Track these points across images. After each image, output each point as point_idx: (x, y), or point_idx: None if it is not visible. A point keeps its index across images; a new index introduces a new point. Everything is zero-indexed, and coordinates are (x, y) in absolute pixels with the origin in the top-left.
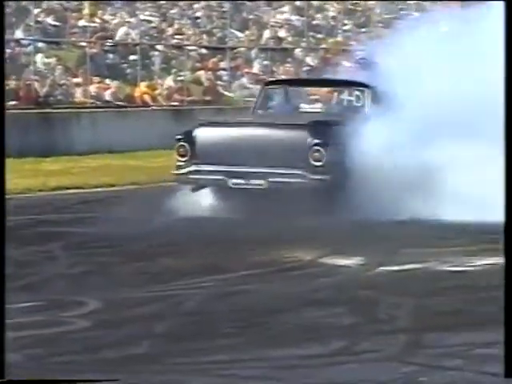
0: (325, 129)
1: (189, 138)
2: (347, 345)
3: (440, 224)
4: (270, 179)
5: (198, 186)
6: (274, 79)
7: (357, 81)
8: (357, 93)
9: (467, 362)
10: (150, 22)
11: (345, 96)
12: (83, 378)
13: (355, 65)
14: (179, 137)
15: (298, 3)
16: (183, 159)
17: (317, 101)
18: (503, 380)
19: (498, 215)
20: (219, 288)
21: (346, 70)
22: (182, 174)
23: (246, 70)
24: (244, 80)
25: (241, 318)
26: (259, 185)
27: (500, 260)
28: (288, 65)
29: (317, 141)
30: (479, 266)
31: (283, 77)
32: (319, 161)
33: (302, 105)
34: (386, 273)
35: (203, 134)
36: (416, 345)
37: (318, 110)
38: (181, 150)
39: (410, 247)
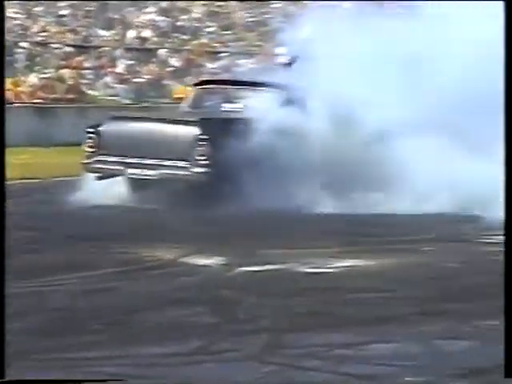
0: (214, 125)
1: (96, 131)
2: (207, 344)
3: (318, 218)
4: (161, 171)
5: (103, 176)
6: (204, 79)
7: (268, 82)
8: (269, 94)
9: (325, 362)
10: (14, 19)
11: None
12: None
13: (282, 65)
14: (88, 130)
15: (162, 4)
16: (90, 150)
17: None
18: (503, 380)
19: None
20: (82, 285)
21: (209, 71)
22: (88, 163)
23: (110, 70)
24: (108, 79)
25: (103, 316)
26: (152, 175)
27: (359, 262)
28: (152, 65)
29: (202, 136)
30: (339, 267)
31: (213, 77)
32: (203, 155)
33: (225, 104)
34: (246, 273)
35: (109, 128)
36: (276, 345)
37: (237, 109)
38: (89, 141)
39: (272, 247)
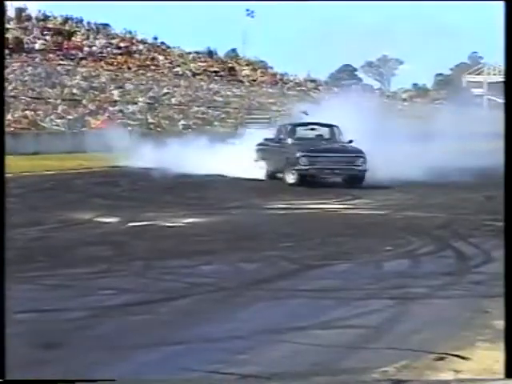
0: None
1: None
2: (106, 268)
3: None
4: None
5: None
6: (296, 123)
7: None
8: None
9: (177, 276)
10: None
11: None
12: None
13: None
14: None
15: (84, 74)
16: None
17: None
18: (503, 380)
19: None
20: (34, 234)
21: (111, 112)
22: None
23: (54, 111)
24: (52, 117)
25: (45, 253)
26: None
27: (198, 219)
28: (78, 109)
29: None
30: (186, 223)
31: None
32: None
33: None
34: (132, 226)
35: None
36: (149, 267)
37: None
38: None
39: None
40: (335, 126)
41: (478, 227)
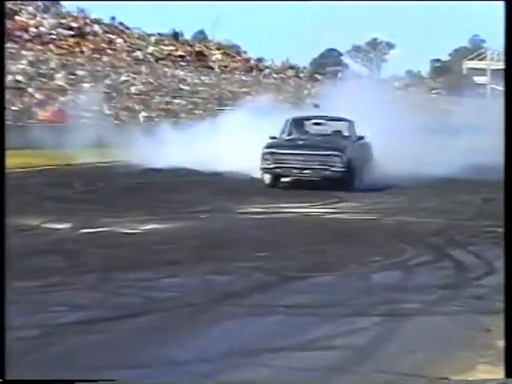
0: None
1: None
2: (58, 280)
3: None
4: None
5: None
6: (300, 116)
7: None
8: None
9: (137, 290)
10: None
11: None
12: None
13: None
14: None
15: (30, 58)
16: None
17: None
18: (504, 380)
19: None
20: None
21: (60, 102)
22: None
23: None
24: None
25: None
26: None
27: (159, 225)
28: (24, 98)
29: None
30: (145, 229)
31: None
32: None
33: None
34: (85, 233)
35: None
36: (104, 279)
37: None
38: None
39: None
40: (348, 120)
41: (478, 233)
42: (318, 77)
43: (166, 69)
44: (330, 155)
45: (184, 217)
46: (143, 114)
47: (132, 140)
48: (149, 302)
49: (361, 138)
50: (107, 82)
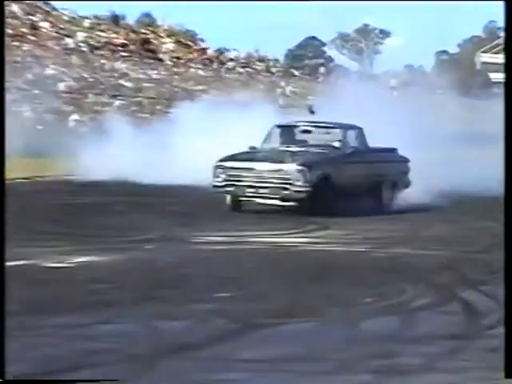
0: None
1: None
2: None
3: None
4: None
5: None
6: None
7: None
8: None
9: (60, 340)
10: None
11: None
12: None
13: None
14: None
15: None
16: None
17: None
18: (503, 380)
19: None
20: None
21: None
22: None
23: None
24: None
25: None
26: None
27: (93, 258)
28: None
29: None
30: (75, 262)
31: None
32: None
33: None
34: None
35: None
36: (20, 327)
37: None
38: None
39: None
40: (355, 127)
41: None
42: (295, 72)
43: (103, 61)
44: (291, 171)
45: (125, 247)
46: (74, 117)
47: (59, 148)
48: (78, 355)
49: (393, 149)
50: (29, 76)
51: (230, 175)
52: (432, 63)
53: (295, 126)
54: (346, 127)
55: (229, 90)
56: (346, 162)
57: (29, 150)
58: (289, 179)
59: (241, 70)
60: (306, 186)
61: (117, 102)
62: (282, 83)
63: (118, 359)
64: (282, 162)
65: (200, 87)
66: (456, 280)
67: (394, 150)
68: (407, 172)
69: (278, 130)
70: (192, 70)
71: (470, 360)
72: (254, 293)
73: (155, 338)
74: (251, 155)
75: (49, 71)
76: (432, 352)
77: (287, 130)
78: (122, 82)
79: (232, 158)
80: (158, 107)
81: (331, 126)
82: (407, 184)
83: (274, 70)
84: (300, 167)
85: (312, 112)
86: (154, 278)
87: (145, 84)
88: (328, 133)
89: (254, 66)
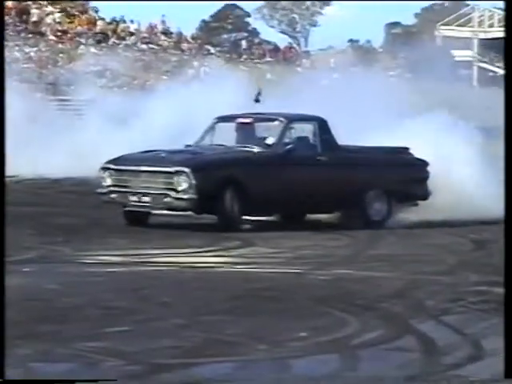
0: None
1: None
2: None
3: None
4: None
5: None
6: (226, 115)
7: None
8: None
9: None
10: None
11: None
12: None
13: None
14: None
15: None
16: None
17: None
18: (503, 380)
19: None
20: None
21: None
22: None
23: None
24: None
25: None
26: None
27: None
28: None
29: None
30: None
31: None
32: None
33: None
34: None
35: None
36: None
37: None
38: None
39: None
40: (313, 118)
41: (462, 296)
42: (211, 49)
43: None
44: (173, 173)
45: None
46: None
47: None
48: None
49: (360, 149)
50: None
51: (116, 179)
52: (382, 38)
53: (234, 118)
54: (290, 119)
55: (128, 70)
56: (279, 165)
57: None
58: (172, 184)
59: (144, 46)
60: (191, 193)
61: None
62: (195, 62)
63: None
64: (166, 162)
65: (92, 68)
66: (412, 308)
67: (399, 150)
68: (423, 179)
69: (220, 125)
70: (82, 46)
71: None
72: (157, 327)
73: None
74: (147, 156)
75: None
76: None
77: (228, 124)
78: None
79: (122, 158)
80: (39, 95)
81: (271, 117)
82: (423, 195)
83: (184, 46)
84: (182, 168)
85: (257, 100)
86: (33, 310)
87: (22, 64)
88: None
89: (159, 42)
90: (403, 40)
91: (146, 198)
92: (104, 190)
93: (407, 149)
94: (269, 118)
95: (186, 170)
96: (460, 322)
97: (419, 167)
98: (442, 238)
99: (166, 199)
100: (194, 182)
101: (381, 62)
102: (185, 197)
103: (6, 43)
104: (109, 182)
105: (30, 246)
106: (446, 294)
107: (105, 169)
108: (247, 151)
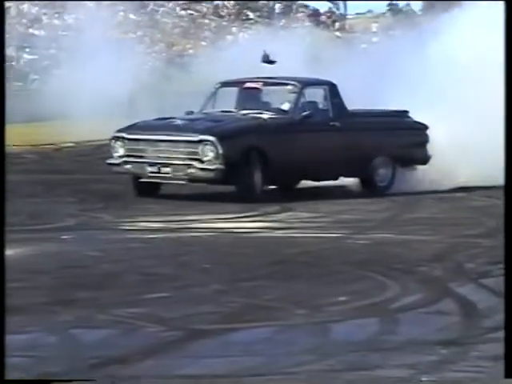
0: None
1: None
2: None
3: None
4: None
5: None
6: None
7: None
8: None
9: None
10: None
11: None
12: None
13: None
14: None
15: None
16: None
17: None
18: (503, 380)
19: None
20: None
21: None
22: None
23: None
24: None
25: None
26: None
27: None
28: None
29: None
30: None
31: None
32: None
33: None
34: None
35: None
36: None
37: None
38: None
39: None
40: (323, 82)
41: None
42: (250, 14)
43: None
44: (198, 142)
45: (35, 237)
46: None
47: None
48: None
49: (364, 113)
50: None
51: (131, 150)
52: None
53: (242, 82)
54: (304, 83)
55: (167, 38)
56: (297, 131)
57: None
58: (196, 154)
59: (182, 12)
60: (218, 163)
61: (26, 56)
62: (233, 29)
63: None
64: (188, 130)
65: (131, 35)
66: (451, 272)
67: (400, 114)
68: (424, 143)
69: (223, 90)
70: (121, 13)
71: (470, 369)
72: (196, 292)
73: (72, 350)
74: (162, 123)
75: None
76: (421, 361)
77: (236, 90)
78: (31, 30)
79: (135, 127)
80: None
81: (282, 81)
82: (423, 159)
83: (224, 12)
84: (208, 137)
85: (270, 61)
86: (72, 277)
87: (60, 32)
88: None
89: (197, 8)
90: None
91: (167, 169)
92: (116, 161)
93: (407, 112)
94: (281, 83)
95: (212, 138)
96: (500, 285)
97: (420, 131)
98: (480, 201)
99: (189, 170)
100: (220, 151)
101: (421, 26)
102: (211, 167)
103: (43, 10)
104: (121, 151)
105: (70, 213)
106: (485, 257)
107: (117, 138)
108: (271, 118)
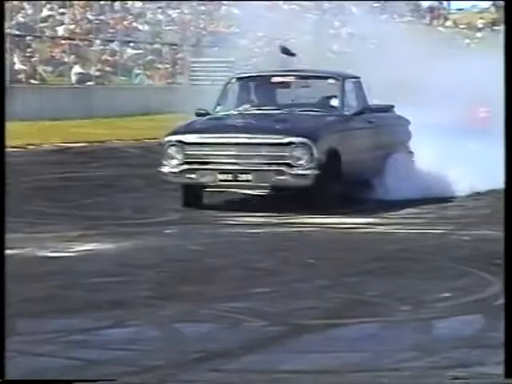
0: None
1: None
2: None
3: None
4: None
5: None
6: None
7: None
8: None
9: (61, 347)
10: None
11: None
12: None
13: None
14: None
15: None
16: None
17: None
18: (503, 380)
19: None
20: None
21: None
22: None
23: None
24: None
25: None
26: None
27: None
28: None
29: None
30: (78, 251)
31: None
32: None
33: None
34: None
35: None
36: (12, 331)
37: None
38: None
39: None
40: (350, 75)
41: None
42: (353, 8)
43: None
44: (286, 145)
45: (138, 231)
46: (77, 69)
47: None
48: (79, 367)
49: (379, 108)
50: (19, 18)
51: (191, 156)
52: None
53: (263, 77)
54: (343, 77)
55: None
56: (353, 128)
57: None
58: (285, 158)
59: (285, 7)
60: (313, 168)
61: (130, 51)
62: (337, 23)
63: (130, 372)
64: (270, 132)
65: (234, 29)
66: None
67: (390, 108)
68: (408, 139)
69: (238, 84)
70: (224, 7)
71: None
72: (298, 287)
73: (175, 344)
74: (216, 123)
75: (45, 12)
76: None
77: (253, 84)
78: (136, 24)
79: (190, 128)
80: (180, 55)
81: (321, 75)
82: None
83: (326, 6)
84: (302, 139)
85: (290, 53)
86: (177, 271)
87: (164, 27)
88: (308, 86)
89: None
90: None
91: (247, 176)
92: (174, 169)
93: (393, 107)
94: (321, 76)
95: (306, 140)
96: None
97: (407, 127)
98: None
99: (279, 177)
100: (316, 155)
101: None
102: (306, 172)
103: (148, 5)
104: (180, 158)
105: (173, 207)
106: None
107: (172, 144)
108: (332, 115)
